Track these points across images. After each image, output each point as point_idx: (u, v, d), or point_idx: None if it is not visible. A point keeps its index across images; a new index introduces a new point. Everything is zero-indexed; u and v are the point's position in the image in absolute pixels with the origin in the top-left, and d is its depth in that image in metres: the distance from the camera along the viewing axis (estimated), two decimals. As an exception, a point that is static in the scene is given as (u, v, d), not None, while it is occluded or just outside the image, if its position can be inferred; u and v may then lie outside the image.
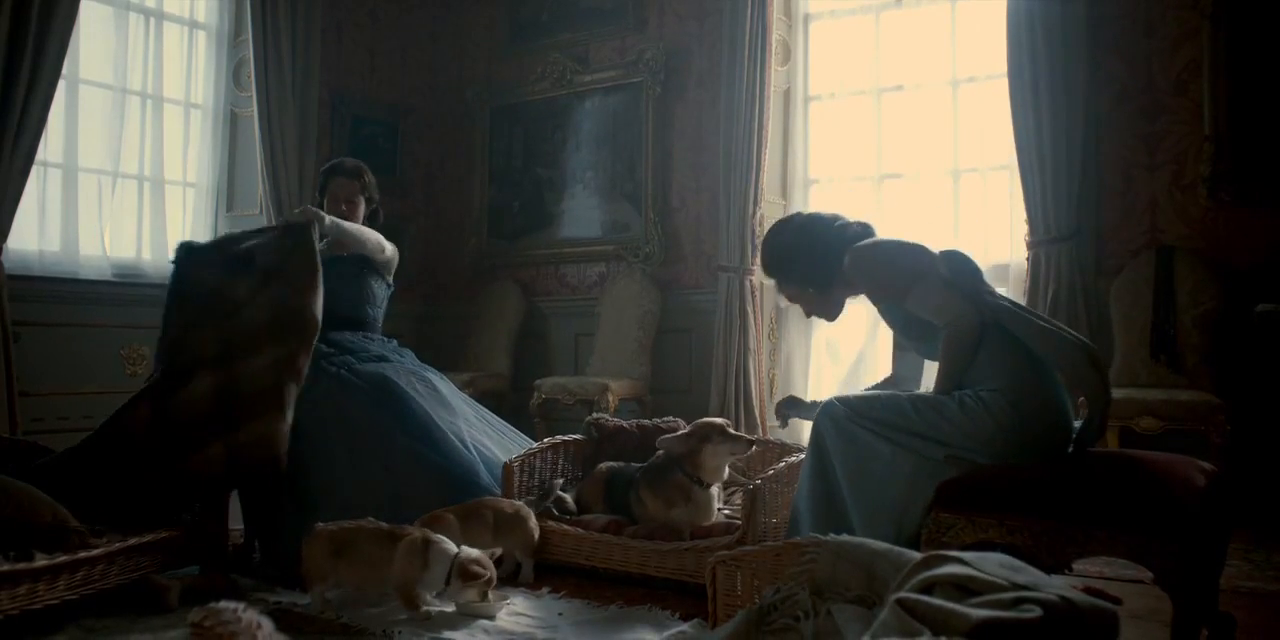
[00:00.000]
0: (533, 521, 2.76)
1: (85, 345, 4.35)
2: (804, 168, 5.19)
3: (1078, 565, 1.95)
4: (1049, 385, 2.15)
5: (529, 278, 5.88)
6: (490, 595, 2.41)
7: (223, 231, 4.91)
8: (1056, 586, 1.24)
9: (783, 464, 2.74)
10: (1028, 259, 4.29)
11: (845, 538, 1.63)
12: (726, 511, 2.85)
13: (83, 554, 2.22)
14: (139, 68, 4.80)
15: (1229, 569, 2.40)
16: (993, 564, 1.31)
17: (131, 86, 4.76)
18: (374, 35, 5.89)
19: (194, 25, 5.13)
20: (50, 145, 4.30)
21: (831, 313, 2.58)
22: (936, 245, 2.44)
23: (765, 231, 2.73)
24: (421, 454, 2.98)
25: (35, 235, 4.39)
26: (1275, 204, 3.86)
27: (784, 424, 2.80)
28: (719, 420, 2.82)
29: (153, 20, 4.86)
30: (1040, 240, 4.22)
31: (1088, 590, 1.88)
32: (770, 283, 2.78)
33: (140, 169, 4.81)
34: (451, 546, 2.38)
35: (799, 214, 2.66)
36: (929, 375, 2.47)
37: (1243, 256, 3.91)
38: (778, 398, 4.83)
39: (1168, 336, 3.88)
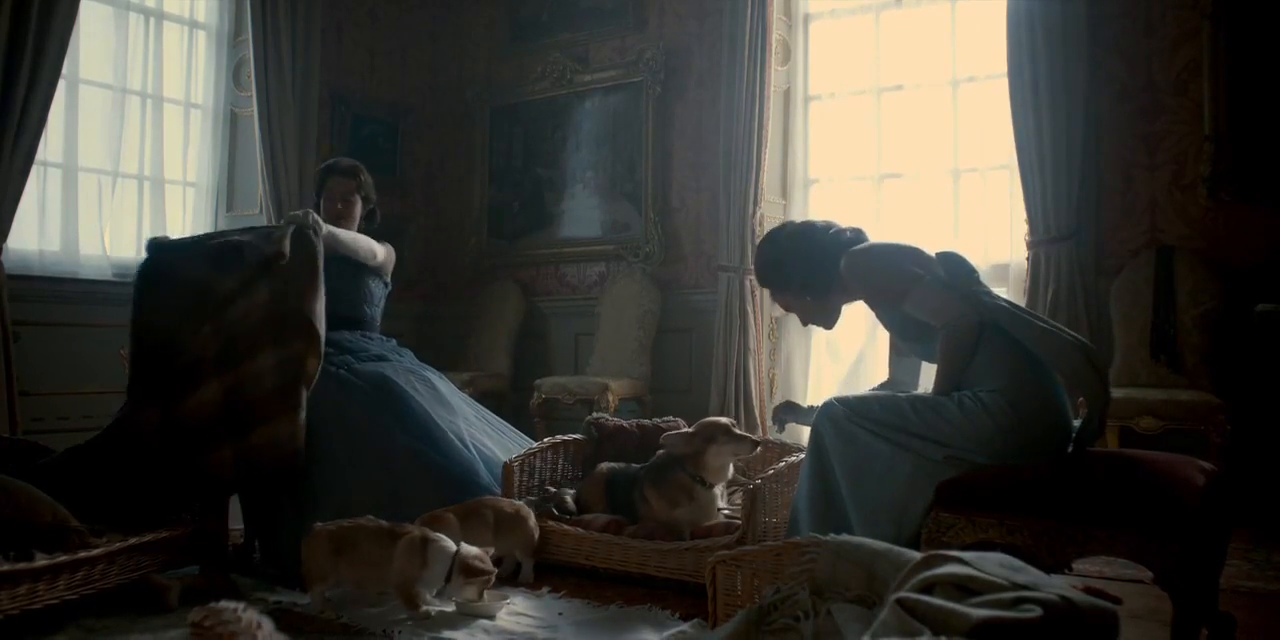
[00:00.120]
0: (533, 521, 2.76)
1: (85, 345, 4.34)
2: (804, 167, 5.19)
3: (1078, 565, 1.96)
4: (1048, 386, 2.15)
5: (529, 278, 5.88)
6: (487, 595, 2.41)
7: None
8: (1056, 586, 1.24)
9: (783, 464, 2.74)
10: (1028, 259, 4.29)
11: (845, 537, 1.63)
12: (726, 511, 2.85)
13: (83, 554, 2.22)
14: (139, 68, 4.80)
15: (1229, 569, 2.40)
16: (993, 564, 1.31)
17: (131, 86, 4.76)
18: (374, 35, 5.89)
19: (194, 25, 5.13)
20: (50, 145, 4.30)
21: (829, 320, 2.57)
22: (937, 245, 2.44)
23: (760, 239, 2.71)
24: (421, 453, 2.98)
25: (35, 235, 4.40)
26: (1275, 204, 3.86)
27: (781, 429, 2.80)
28: (724, 420, 2.82)
29: (153, 20, 4.86)
30: (1040, 240, 4.22)
31: (1088, 590, 1.88)
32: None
33: (140, 169, 4.81)
34: (450, 544, 2.38)
35: (790, 222, 2.66)
36: (926, 380, 2.47)
37: (1243, 256, 3.91)
38: (778, 398, 4.86)
39: (1168, 336, 3.88)
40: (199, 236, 3.13)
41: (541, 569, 2.77)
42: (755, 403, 4.87)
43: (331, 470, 2.88)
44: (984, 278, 2.41)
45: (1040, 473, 1.99)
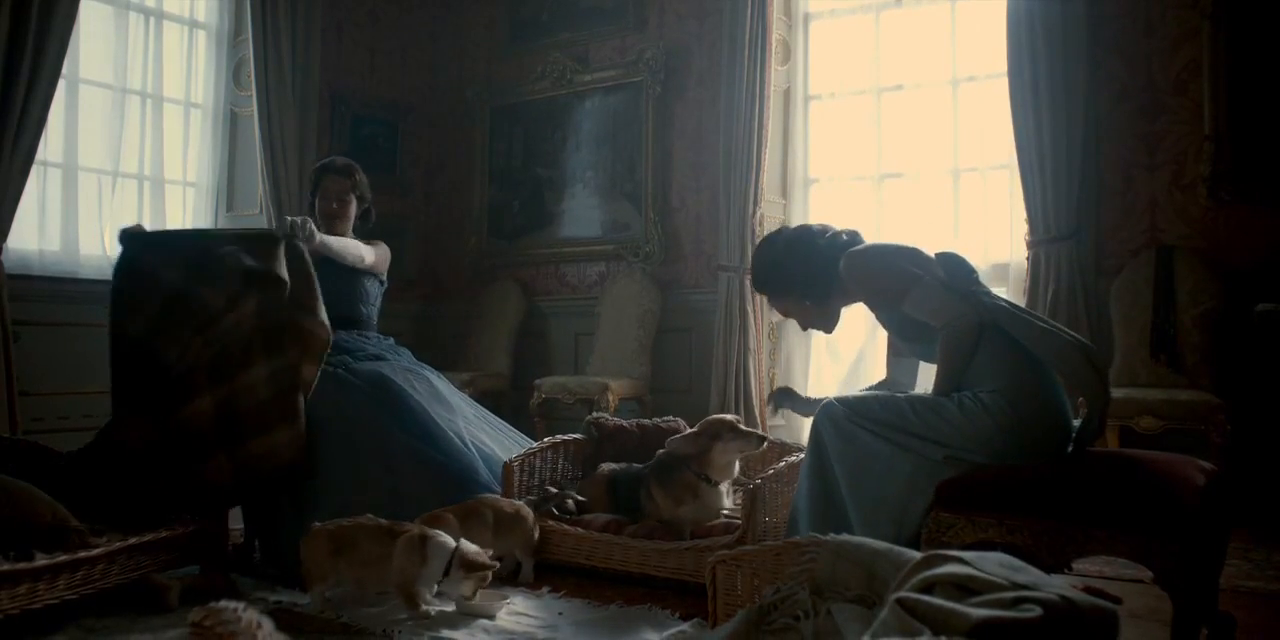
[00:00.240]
0: (532, 521, 2.76)
1: (85, 345, 4.33)
2: (804, 167, 5.19)
3: (1078, 565, 1.96)
4: (1048, 386, 2.15)
5: (529, 277, 5.88)
6: (487, 595, 2.41)
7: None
8: (1056, 586, 1.24)
9: (783, 464, 2.74)
10: (1028, 258, 4.29)
11: (845, 537, 1.63)
12: (726, 511, 2.85)
13: (83, 554, 2.22)
14: (139, 67, 4.80)
15: (1229, 569, 2.40)
16: (993, 563, 1.31)
17: (131, 86, 4.76)
18: (374, 35, 5.89)
19: (194, 25, 5.13)
20: (50, 145, 4.30)
21: (830, 324, 2.57)
22: (937, 245, 2.44)
23: (756, 246, 2.70)
24: (420, 451, 2.98)
25: (35, 235, 4.40)
26: (1275, 203, 3.86)
27: (775, 412, 2.80)
28: (729, 417, 2.83)
29: (153, 20, 4.86)
30: (1040, 240, 4.22)
31: (1088, 590, 1.88)
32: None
33: (140, 169, 4.81)
34: (449, 540, 2.38)
35: (785, 228, 2.66)
36: (924, 380, 2.47)
37: (1243, 256, 3.91)
38: (778, 397, 4.85)
39: (1168, 336, 3.88)
40: (177, 232, 3.07)
41: (541, 569, 2.77)
42: (755, 403, 4.87)
43: (331, 470, 2.88)
44: (984, 278, 2.41)
45: (1040, 473, 1.99)
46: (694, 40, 5.35)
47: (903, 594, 1.25)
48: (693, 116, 5.34)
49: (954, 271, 2.28)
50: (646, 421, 3.38)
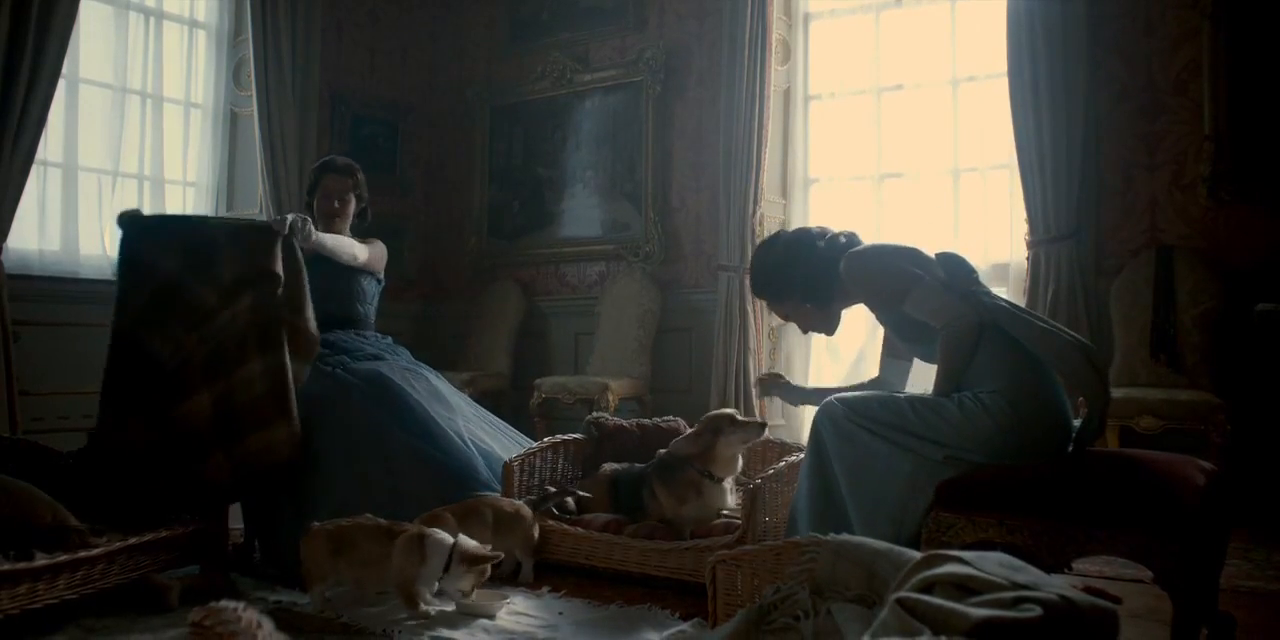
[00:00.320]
0: (532, 520, 2.76)
1: (85, 345, 4.32)
2: (804, 167, 5.19)
3: (1078, 565, 1.96)
4: (1048, 386, 2.15)
5: (529, 277, 5.88)
6: (488, 595, 2.41)
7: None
8: (1056, 586, 1.24)
9: (783, 463, 2.74)
10: (1028, 258, 4.29)
11: (845, 537, 1.63)
12: (727, 511, 2.85)
13: (83, 553, 2.22)
14: (139, 67, 4.80)
15: (1229, 569, 2.40)
16: (993, 563, 1.31)
17: (131, 86, 4.76)
18: (374, 35, 5.89)
19: (194, 25, 5.13)
20: (50, 145, 4.30)
21: (831, 327, 2.57)
22: (937, 245, 2.44)
23: (755, 250, 2.70)
24: (420, 450, 2.97)
25: (35, 235, 4.40)
26: (1275, 204, 3.86)
27: (761, 396, 2.80)
28: (727, 410, 2.85)
29: (153, 19, 4.86)
30: (1040, 240, 4.22)
31: (1088, 590, 1.88)
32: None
33: (140, 168, 4.81)
34: (447, 537, 2.38)
35: (783, 231, 2.66)
36: (919, 381, 2.47)
37: (1243, 256, 3.91)
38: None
39: (1168, 336, 3.88)
40: (176, 217, 3.07)
41: (541, 569, 2.77)
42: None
43: (330, 469, 2.88)
44: (984, 278, 2.41)
45: (1040, 473, 1.99)
46: (694, 40, 5.35)
47: (903, 594, 1.25)
48: (693, 116, 5.34)
49: (954, 271, 2.28)
50: (646, 421, 3.38)
